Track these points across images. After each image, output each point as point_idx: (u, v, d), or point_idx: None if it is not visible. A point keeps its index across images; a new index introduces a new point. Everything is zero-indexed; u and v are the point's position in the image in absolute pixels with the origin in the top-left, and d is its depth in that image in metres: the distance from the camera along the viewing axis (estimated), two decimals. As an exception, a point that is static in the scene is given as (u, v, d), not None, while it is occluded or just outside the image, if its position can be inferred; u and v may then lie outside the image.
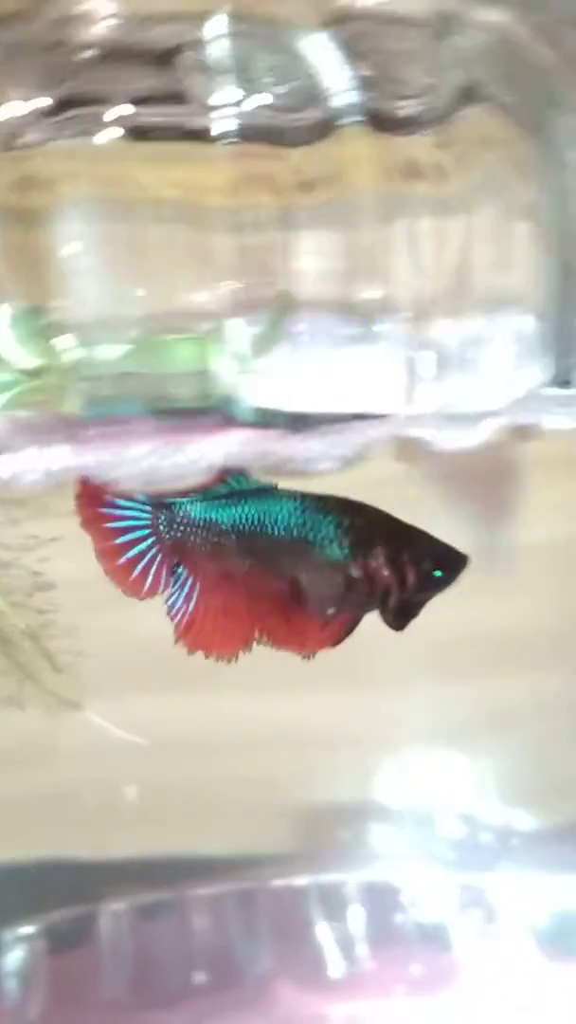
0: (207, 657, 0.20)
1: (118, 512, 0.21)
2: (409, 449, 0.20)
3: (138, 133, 0.18)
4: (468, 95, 0.19)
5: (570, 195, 0.20)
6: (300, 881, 0.27)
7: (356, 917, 0.27)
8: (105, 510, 0.20)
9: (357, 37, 0.19)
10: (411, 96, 0.19)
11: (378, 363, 0.19)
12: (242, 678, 0.22)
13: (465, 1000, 0.26)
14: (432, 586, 0.21)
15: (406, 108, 0.19)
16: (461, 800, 0.27)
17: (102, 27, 0.20)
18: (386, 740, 0.26)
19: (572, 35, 0.22)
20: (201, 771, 0.26)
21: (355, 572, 0.21)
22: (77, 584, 0.23)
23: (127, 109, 0.18)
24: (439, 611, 0.21)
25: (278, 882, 0.27)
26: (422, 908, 0.27)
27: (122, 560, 0.21)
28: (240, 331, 0.19)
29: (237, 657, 0.20)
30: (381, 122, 0.19)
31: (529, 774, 0.27)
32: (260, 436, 0.20)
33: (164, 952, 0.26)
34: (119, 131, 0.18)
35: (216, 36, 0.19)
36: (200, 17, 0.19)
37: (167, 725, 0.25)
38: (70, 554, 0.23)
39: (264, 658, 0.21)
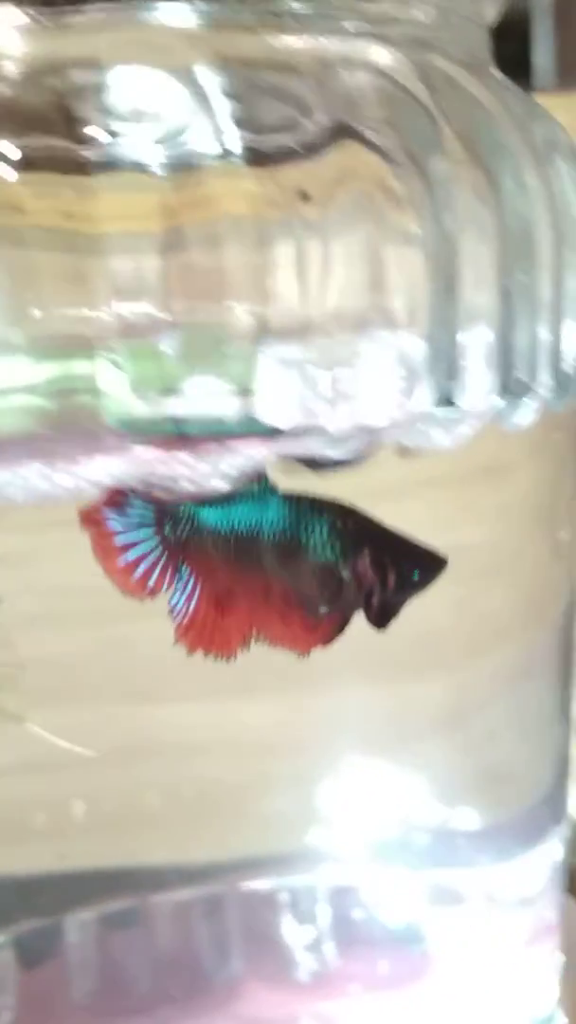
0: (206, 656, 0.21)
1: (123, 513, 0.21)
2: (295, 466, 0.21)
3: (24, 164, 0.19)
4: (344, 131, 0.21)
5: (451, 231, 0.21)
6: (264, 885, 0.27)
7: (320, 919, 0.27)
8: (109, 510, 0.21)
9: (238, 77, 0.20)
10: (287, 131, 0.20)
11: (270, 380, 0.20)
12: (185, 685, 0.23)
13: (432, 994, 0.27)
14: (411, 587, 0.22)
15: (281, 142, 0.20)
16: (404, 800, 0.27)
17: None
18: (327, 743, 0.27)
19: (455, 76, 0.24)
20: (148, 779, 0.26)
21: (345, 573, 0.21)
22: (20, 599, 0.23)
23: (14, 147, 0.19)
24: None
25: (242, 887, 0.27)
26: (382, 906, 0.28)
27: (125, 560, 0.21)
28: (134, 350, 0.20)
29: (236, 656, 0.21)
30: (255, 154, 0.20)
31: (465, 772, 0.28)
32: (151, 455, 0.21)
33: (132, 960, 0.27)
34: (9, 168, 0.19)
35: (106, 79, 0.20)
36: (94, 62, 0.21)
37: (115, 735, 0.25)
38: (14, 569, 0.24)
39: (201, 665, 0.21)
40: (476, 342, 0.22)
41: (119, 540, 0.21)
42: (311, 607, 0.21)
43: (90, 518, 0.21)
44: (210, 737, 0.26)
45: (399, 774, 0.27)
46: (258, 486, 0.21)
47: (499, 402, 0.22)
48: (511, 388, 0.22)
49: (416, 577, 0.22)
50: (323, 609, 0.21)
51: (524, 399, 0.23)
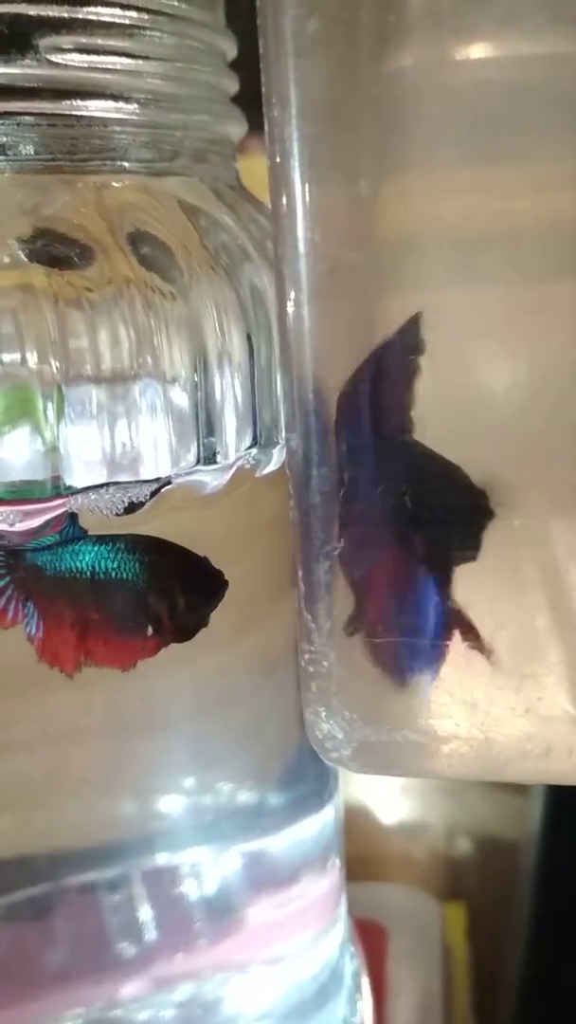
0: (61, 673, 0.26)
1: None
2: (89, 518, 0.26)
3: None
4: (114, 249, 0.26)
5: (197, 315, 0.27)
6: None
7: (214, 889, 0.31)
8: None
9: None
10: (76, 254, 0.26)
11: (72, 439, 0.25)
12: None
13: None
14: (196, 609, 0.27)
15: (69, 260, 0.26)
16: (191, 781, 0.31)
17: None
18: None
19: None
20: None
21: (151, 601, 0.26)
22: None
23: None
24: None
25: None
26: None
27: None
28: None
29: (75, 672, 0.26)
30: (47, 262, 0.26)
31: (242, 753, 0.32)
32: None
33: (43, 940, 0.30)
34: None
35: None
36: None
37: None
38: None
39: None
40: (229, 402, 0.27)
41: None
42: (138, 630, 0.26)
43: None
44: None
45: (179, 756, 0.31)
46: (69, 531, 0.26)
47: (253, 454, 0.28)
48: (261, 441, 0.28)
49: (200, 600, 0.27)
50: (149, 631, 0.26)
51: (272, 450, 0.29)
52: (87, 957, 0.30)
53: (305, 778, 0.34)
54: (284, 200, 0.24)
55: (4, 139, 0.26)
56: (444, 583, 0.25)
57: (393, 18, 0.25)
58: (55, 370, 0.25)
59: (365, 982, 0.40)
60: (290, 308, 0.24)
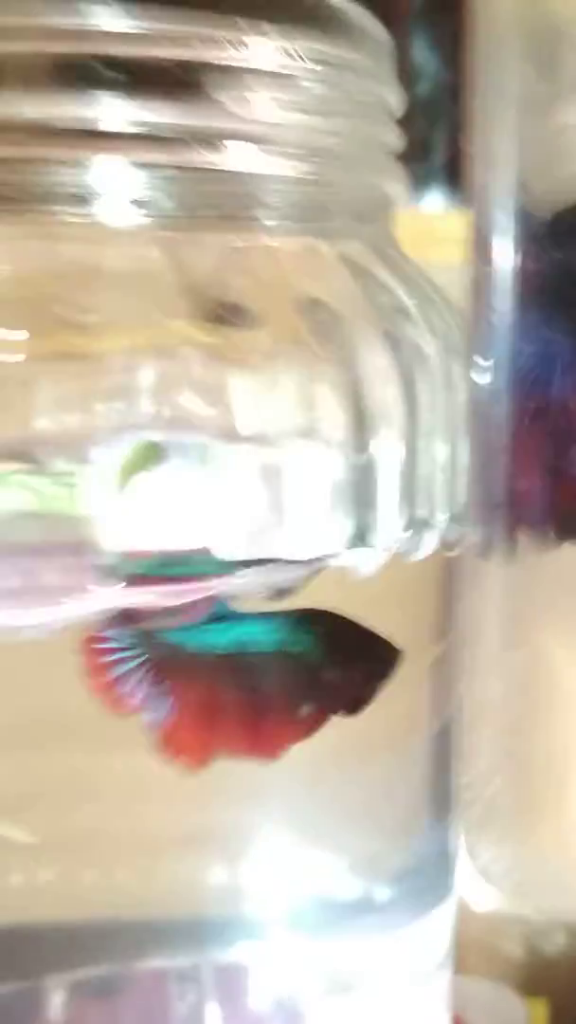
0: (181, 766, 0.24)
1: (111, 635, 0.23)
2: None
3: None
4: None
5: (359, 380, 0.25)
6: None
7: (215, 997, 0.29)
8: (104, 634, 0.23)
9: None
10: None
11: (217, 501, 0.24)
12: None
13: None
14: (377, 678, 0.25)
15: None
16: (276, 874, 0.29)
17: None
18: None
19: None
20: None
21: (326, 675, 0.24)
22: None
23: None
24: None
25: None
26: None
27: (108, 678, 0.23)
28: (101, 464, 0.22)
29: (203, 767, 0.24)
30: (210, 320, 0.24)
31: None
32: (123, 593, 0.23)
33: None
34: None
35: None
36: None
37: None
38: None
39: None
40: (386, 481, 0.25)
41: (105, 658, 0.23)
42: (292, 708, 0.24)
43: (86, 643, 0.23)
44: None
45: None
46: (222, 609, 0.24)
47: (405, 538, 0.26)
48: (415, 524, 0.26)
49: (379, 671, 0.25)
50: (305, 709, 0.24)
51: (425, 534, 0.27)
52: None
53: (424, 870, 0.32)
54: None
55: (163, 193, 0.25)
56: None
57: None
58: (212, 433, 0.23)
59: None
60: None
